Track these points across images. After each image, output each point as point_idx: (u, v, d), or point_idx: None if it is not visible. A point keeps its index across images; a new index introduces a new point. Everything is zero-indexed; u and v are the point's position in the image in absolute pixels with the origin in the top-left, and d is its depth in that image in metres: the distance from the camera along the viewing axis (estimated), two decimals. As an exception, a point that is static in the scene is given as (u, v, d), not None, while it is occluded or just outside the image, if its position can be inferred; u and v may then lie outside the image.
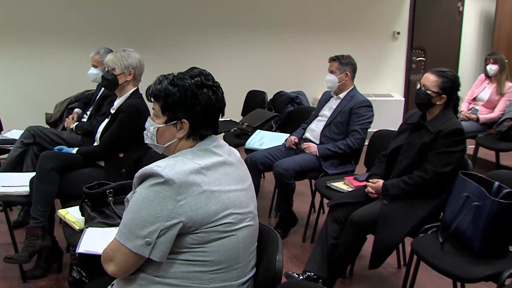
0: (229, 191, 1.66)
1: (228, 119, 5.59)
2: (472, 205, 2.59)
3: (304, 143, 4.12)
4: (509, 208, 2.52)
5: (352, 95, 4.10)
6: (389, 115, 6.38)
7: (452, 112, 3.08)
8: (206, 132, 1.74)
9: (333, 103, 4.17)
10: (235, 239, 1.66)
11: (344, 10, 7.19)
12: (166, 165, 1.60)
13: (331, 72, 4.12)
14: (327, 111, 4.17)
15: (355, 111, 4.00)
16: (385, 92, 7.45)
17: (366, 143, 3.92)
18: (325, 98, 4.29)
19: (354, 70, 4.14)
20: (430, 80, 3.03)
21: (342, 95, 4.12)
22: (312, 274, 3.07)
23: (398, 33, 7.52)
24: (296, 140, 4.22)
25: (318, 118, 4.21)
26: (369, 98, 4.19)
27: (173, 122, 1.73)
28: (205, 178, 1.62)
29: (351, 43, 7.15)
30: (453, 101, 3.08)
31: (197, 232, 1.59)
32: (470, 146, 5.63)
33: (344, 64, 4.09)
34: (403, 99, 7.28)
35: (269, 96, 5.60)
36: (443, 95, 3.01)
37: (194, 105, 1.70)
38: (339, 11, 7.17)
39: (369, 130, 3.99)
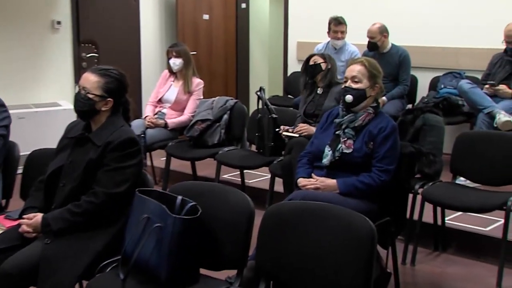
0: None
1: None
2: (154, 227, 2.68)
3: None
4: (193, 224, 2.69)
5: None
6: (56, 129, 6.09)
7: (123, 119, 3.17)
8: None
9: None
10: None
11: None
12: None
13: None
14: None
15: None
16: (50, 100, 7.15)
17: (20, 170, 3.71)
18: None
19: None
20: (90, 81, 3.06)
21: None
22: None
23: (59, 22, 7.30)
24: None
25: None
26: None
27: None
28: None
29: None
30: (122, 106, 3.16)
31: None
32: (162, 159, 5.86)
33: None
34: (74, 107, 7.24)
35: None
36: (109, 99, 3.07)
37: None
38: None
39: (23, 152, 3.77)
